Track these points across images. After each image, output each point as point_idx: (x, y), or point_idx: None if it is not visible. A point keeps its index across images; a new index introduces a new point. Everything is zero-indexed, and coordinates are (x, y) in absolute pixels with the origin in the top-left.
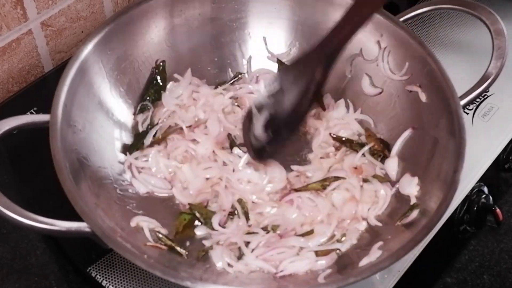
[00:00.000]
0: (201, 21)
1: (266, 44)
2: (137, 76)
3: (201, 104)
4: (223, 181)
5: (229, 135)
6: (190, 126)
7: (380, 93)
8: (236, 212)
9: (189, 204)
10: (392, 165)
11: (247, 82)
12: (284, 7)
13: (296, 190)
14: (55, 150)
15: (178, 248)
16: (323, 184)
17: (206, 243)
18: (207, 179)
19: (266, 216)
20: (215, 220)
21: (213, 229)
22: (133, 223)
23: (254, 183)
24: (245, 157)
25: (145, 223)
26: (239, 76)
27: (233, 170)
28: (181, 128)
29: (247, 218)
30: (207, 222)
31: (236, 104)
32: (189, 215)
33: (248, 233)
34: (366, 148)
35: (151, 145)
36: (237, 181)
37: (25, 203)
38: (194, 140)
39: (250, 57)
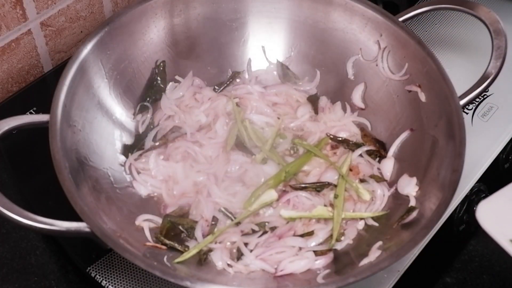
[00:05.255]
0: (200, 21)
1: (265, 52)
2: (136, 76)
3: (205, 108)
4: (205, 191)
5: (237, 136)
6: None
7: (363, 109)
8: (218, 220)
9: (168, 215)
10: (387, 166)
11: (246, 83)
12: (283, 7)
13: (292, 186)
14: (55, 150)
15: (178, 246)
16: (320, 186)
17: (204, 247)
18: (196, 182)
19: (262, 216)
20: (198, 233)
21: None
22: (138, 222)
23: (242, 196)
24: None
25: (146, 223)
26: (237, 75)
27: (222, 180)
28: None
29: (234, 219)
30: (190, 234)
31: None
32: (171, 222)
33: (245, 234)
34: (364, 148)
35: (152, 148)
36: (220, 193)
37: (25, 203)
38: (196, 142)
39: (249, 59)
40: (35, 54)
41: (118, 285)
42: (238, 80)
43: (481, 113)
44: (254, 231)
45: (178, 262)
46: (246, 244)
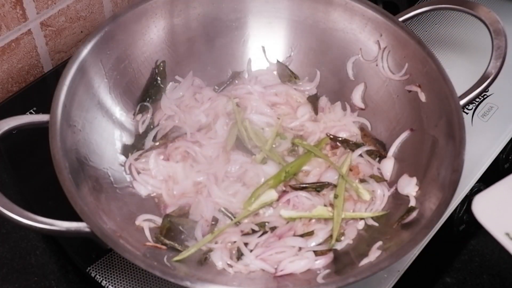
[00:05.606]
0: (200, 21)
1: (265, 52)
2: (136, 76)
3: (205, 108)
4: (205, 191)
5: (237, 136)
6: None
7: (362, 109)
8: (218, 220)
9: (168, 215)
10: (387, 166)
11: (246, 83)
12: (283, 7)
13: (292, 186)
14: (55, 150)
15: (178, 246)
16: (320, 186)
17: (203, 247)
18: (196, 182)
19: (262, 217)
20: (198, 233)
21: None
22: (138, 222)
23: (242, 196)
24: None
25: (146, 223)
26: (237, 75)
27: (222, 180)
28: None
29: (233, 219)
30: (190, 234)
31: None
32: (171, 222)
33: (245, 234)
34: (364, 148)
35: (152, 148)
36: (220, 193)
37: (25, 203)
38: (196, 142)
39: (249, 59)
40: (35, 54)
41: (118, 285)
42: (238, 80)
43: (481, 113)
44: (254, 231)
45: (176, 261)
46: (246, 244)
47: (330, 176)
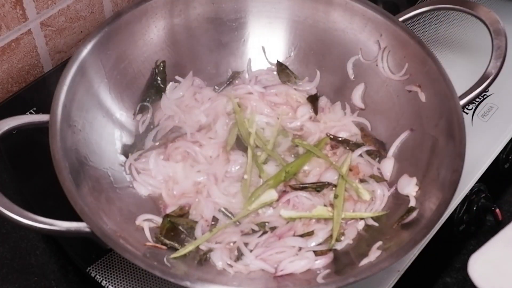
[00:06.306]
0: (200, 21)
1: (265, 52)
2: (136, 76)
3: (205, 108)
4: (205, 191)
5: (237, 136)
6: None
7: (362, 109)
8: (218, 220)
9: (168, 215)
10: (387, 166)
11: (246, 83)
12: (284, 7)
13: (292, 186)
14: (55, 150)
15: (178, 246)
16: (320, 186)
17: (203, 247)
18: (196, 182)
19: (262, 217)
20: (198, 233)
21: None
22: (138, 222)
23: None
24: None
25: (146, 223)
26: (237, 75)
27: (222, 180)
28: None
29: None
30: (190, 234)
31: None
32: (171, 222)
33: (245, 234)
34: (364, 148)
35: (152, 148)
36: (220, 193)
37: (25, 203)
38: (196, 142)
39: (249, 59)
40: (35, 54)
41: (118, 285)
42: (238, 80)
43: (481, 113)
44: (254, 231)
45: (175, 258)
46: (246, 244)
47: (330, 176)
